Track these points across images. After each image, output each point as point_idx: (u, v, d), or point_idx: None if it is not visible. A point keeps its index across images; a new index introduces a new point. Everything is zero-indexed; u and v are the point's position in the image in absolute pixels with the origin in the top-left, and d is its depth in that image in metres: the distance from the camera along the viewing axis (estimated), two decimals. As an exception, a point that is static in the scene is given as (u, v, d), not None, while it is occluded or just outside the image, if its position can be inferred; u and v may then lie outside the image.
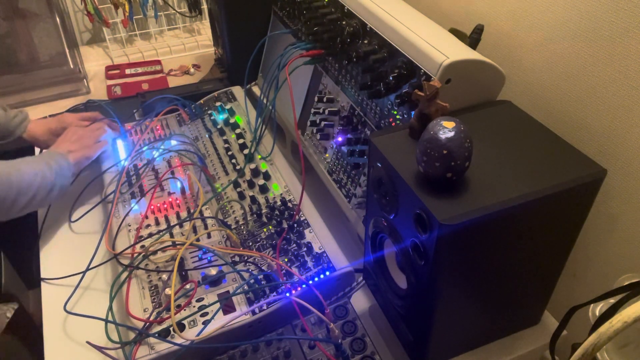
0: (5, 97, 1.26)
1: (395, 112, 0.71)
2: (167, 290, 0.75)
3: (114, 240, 0.86)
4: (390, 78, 0.69)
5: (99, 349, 0.71)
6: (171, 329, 0.70)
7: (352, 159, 0.80)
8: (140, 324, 0.72)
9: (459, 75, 0.63)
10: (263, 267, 0.79)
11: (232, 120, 1.08)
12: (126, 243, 0.84)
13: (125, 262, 0.81)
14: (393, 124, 0.72)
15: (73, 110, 1.19)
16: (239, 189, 0.93)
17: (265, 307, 0.72)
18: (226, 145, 1.03)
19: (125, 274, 0.79)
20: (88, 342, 0.72)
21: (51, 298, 0.82)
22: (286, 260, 0.80)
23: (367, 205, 0.68)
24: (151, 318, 0.72)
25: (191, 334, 0.70)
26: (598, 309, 0.57)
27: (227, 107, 1.12)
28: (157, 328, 0.71)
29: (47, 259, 0.89)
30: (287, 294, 0.73)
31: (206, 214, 0.90)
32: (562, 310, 0.61)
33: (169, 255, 0.82)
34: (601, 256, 0.74)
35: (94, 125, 1.01)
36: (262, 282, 0.76)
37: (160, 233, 0.86)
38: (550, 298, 0.68)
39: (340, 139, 0.84)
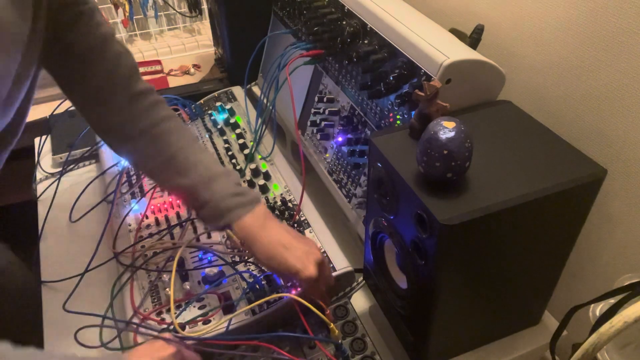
0: (5, 97, 1.26)
1: (395, 112, 0.71)
2: (167, 290, 0.75)
3: (114, 240, 0.86)
4: (391, 78, 0.69)
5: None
6: (171, 329, 0.70)
7: (352, 159, 0.80)
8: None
9: (459, 75, 0.63)
10: (263, 267, 0.79)
11: (232, 120, 1.08)
12: (126, 243, 0.84)
13: (125, 261, 0.81)
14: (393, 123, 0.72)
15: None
16: (239, 189, 0.93)
17: (265, 307, 0.72)
18: (226, 145, 1.03)
19: (127, 274, 0.79)
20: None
21: (51, 298, 0.82)
22: (286, 260, 0.80)
23: (367, 205, 0.68)
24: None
25: (191, 334, 0.70)
26: (598, 309, 0.57)
27: (227, 107, 1.12)
28: (158, 328, 0.71)
29: (47, 259, 0.89)
30: (287, 294, 0.72)
31: (206, 214, 0.90)
32: (562, 310, 0.61)
33: (169, 255, 0.82)
34: (601, 256, 0.74)
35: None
36: (262, 282, 0.76)
37: (161, 233, 0.86)
38: (550, 298, 0.68)
39: (340, 139, 0.84)
